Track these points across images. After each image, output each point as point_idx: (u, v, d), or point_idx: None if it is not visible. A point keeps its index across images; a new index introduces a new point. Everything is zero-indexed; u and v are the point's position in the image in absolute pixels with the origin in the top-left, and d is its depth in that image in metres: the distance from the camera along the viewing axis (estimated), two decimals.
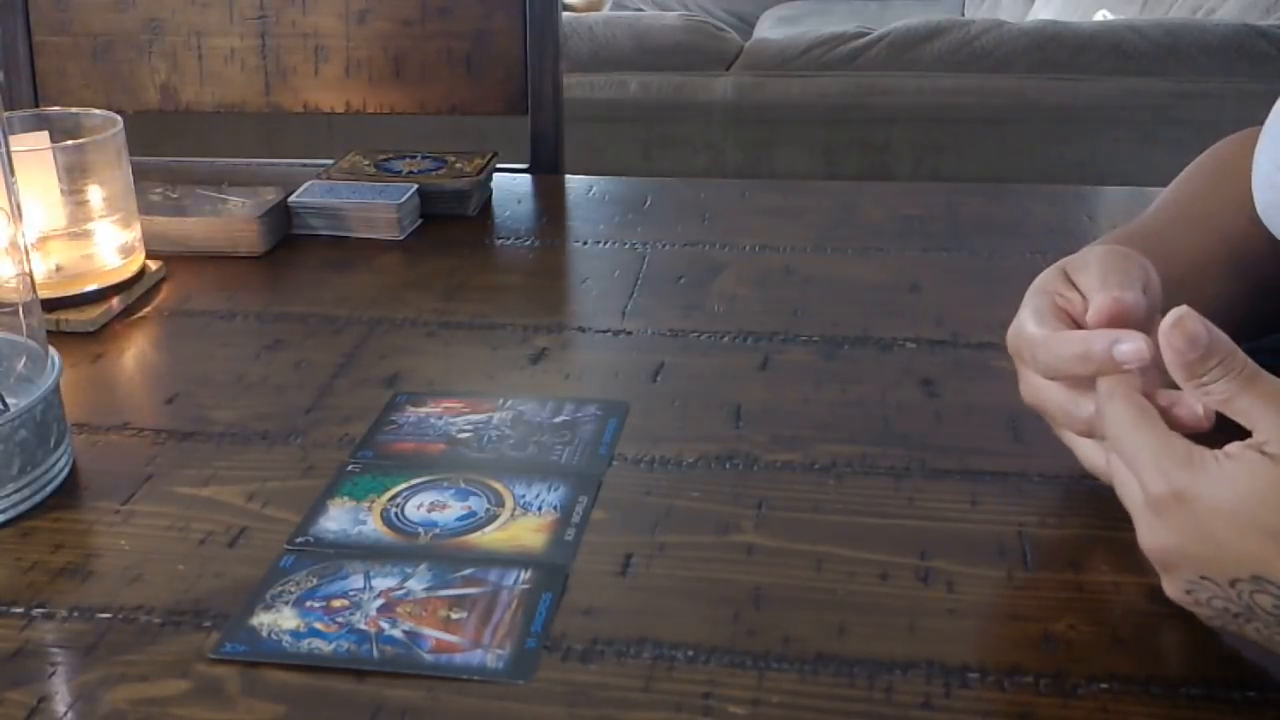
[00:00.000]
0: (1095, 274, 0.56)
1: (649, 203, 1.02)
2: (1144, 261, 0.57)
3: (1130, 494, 0.50)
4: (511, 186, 1.06)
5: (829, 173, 1.97)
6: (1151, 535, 0.49)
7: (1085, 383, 0.55)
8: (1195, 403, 0.50)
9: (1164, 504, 0.48)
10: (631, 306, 0.82)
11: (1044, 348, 0.56)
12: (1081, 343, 0.54)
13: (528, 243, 0.94)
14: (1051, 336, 0.55)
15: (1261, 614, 0.47)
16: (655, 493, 0.61)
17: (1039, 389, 0.58)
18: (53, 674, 0.50)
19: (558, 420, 0.67)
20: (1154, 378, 0.52)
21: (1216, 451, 0.47)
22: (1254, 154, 0.68)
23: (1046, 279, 0.58)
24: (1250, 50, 1.88)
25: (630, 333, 0.78)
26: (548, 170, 1.15)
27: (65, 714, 0.48)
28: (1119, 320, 0.54)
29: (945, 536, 0.57)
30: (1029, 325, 0.57)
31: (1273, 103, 0.68)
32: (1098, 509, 0.59)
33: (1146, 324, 0.54)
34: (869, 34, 2.00)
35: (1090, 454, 0.58)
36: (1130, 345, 0.52)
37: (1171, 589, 0.50)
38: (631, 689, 0.49)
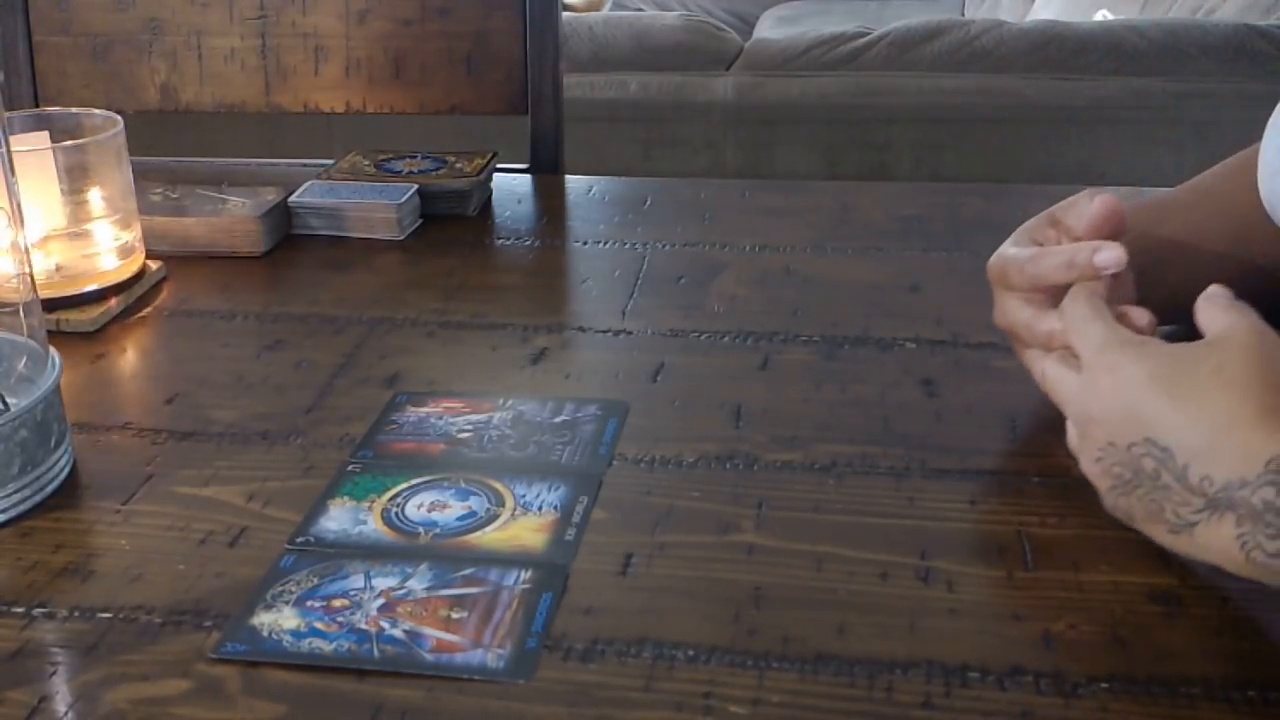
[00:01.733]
0: (1082, 208, 0.64)
1: (649, 203, 1.02)
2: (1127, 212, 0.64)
3: (1067, 384, 0.58)
4: (511, 186, 1.06)
5: (829, 173, 1.97)
6: (1081, 404, 0.56)
7: (1049, 303, 0.63)
8: (1143, 314, 0.59)
9: (1098, 375, 0.55)
10: (631, 306, 0.82)
11: (1031, 262, 0.63)
12: (1067, 252, 0.61)
13: (528, 243, 0.94)
14: (1039, 251, 0.63)
15: (1145, 477, 0.52)
16: (655, 493, 0.61)
17: (1009, 310, 0.65)
18: (53, 674, 0.50)
19: (558, 420, 0.67)
20: (1127, 293, 0.61)
21: (1148, 338, 0.57)
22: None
23: (1031, 222, 0.66)
24: (1250, 50, 1.88)
25: (630, 333, 0.78)
26: (548, 170, 1.15)
27: (66, 714, 0.48)
28: (1111, 224, 0.62)
29: (945, 536, 0.57)
30: (1011, 249, 0.65)
31: (1274, 101, 0.68)
32: (1098, 509, 0.59)
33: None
34: (869, 34, 2.00)
35: (1040, 366, 0.62)
36: (1110, 253, 0.60)
37: (1086, 457, 0.56)
38: (632, 689, 0.49)
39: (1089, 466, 0.56)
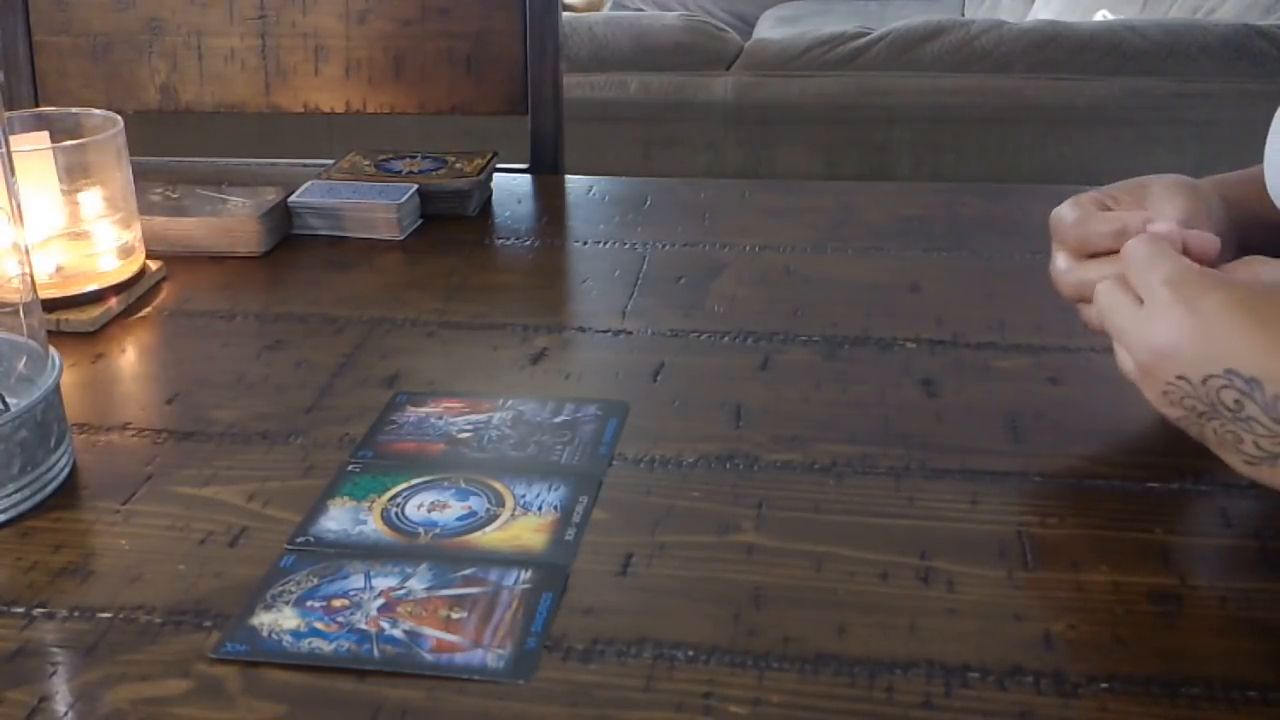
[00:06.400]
0: (1161, 196, 0.63)
1: (649, 203, 1.02)
2: (1207, 195, 0.63)
3: (1125, 313, 0.56)
4: (511, 186, 1.06)
5: (829, 173, 1.97)
6: (1144, 337, 0.54)
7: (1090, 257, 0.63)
8: (1209, 239, 0.59)
9: (1167, 307, 0.53)
10: (631, 306, 0.82)
11: (1079, 224, 0.63)
12: (1117, 220, 0.61)
13: (528, 243, 0.94)
14: (1091, 214, 0.63)
15: (1223, 409, 0.51)
16: (655, 493, 0.61)
17: (1055, 259, 0.65)
18: (53, 674, 0.50)
19: (558, 420, 0.67)
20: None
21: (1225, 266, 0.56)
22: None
23: (1098, 191, 0.66)
24: (1250, 50, 1.88)
25: (630, 333, 0.78)
26: (548, 170, 1.15)
27: (66, 714, 0.48)
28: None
29: (945, 536, 0.57)
30: (1065, 207, 0.65)
31: (1274, 100, 0.68)
32: (1098, 509, 0.59)
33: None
34: (869, 34, 2.00)
35: (1093, 303, 0.61)
36: (1164, 226, 0.59)
37: (1150, 390, 0.55)
38: (632, 689, 0.49)
39: (1154, 398, 0.55)
